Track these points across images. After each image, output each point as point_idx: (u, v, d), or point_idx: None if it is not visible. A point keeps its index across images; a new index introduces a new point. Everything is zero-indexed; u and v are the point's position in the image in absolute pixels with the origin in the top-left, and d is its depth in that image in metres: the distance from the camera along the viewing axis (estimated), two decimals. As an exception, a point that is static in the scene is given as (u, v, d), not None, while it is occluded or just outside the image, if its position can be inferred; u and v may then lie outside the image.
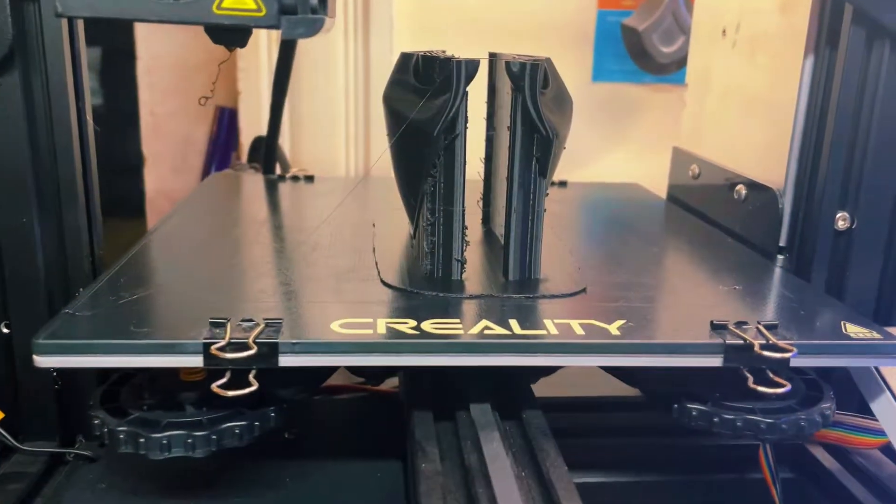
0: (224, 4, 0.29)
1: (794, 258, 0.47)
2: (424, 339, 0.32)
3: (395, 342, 0.32)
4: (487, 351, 0.32)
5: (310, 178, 0.65)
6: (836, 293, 0.44)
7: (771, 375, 0.33)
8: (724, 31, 0.57)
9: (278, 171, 0.72)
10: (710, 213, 0.57)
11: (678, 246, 0.52)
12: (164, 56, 1.21)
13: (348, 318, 0.34)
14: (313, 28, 0.30)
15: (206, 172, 1.23)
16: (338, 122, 0.91)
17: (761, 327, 0.34)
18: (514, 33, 0.89)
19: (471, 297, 0.38)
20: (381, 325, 0.33)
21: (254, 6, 0.29)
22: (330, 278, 0.40)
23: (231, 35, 0.34)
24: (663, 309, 0.37)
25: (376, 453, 0.41)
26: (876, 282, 0.44)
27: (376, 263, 0.42)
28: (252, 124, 1.02)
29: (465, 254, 0.40)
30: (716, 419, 0.35)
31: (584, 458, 0.40)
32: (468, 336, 0.33)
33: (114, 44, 1.22)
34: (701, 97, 0.61)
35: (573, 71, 0.90)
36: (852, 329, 0.35)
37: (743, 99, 0.54)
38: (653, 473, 0.44)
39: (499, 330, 0.33)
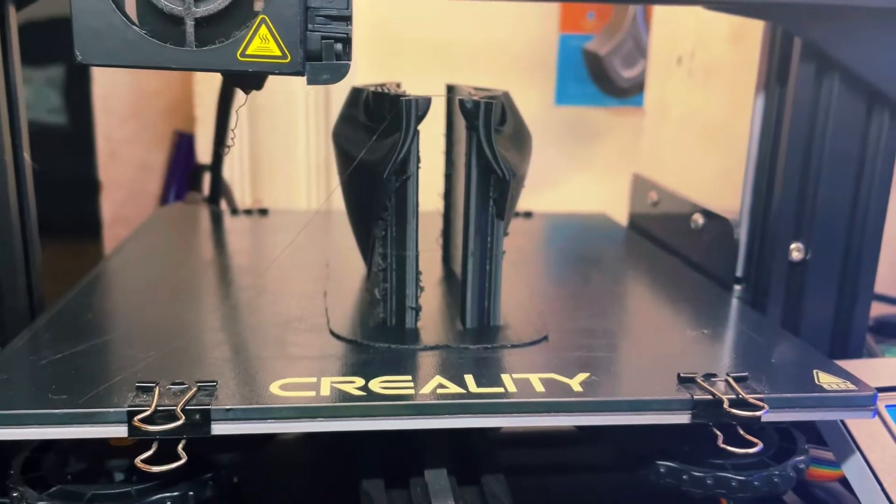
0: (249, 51, 0.28)
1: (750, 288, 0.46)
2: (371, 402, 0.30)
3: (338, 406, 0.29)
4: (440, 413, 0.30)
5: (264, 212, 0.63)
6: (792, 324, 0.44)
7: (741, 432, 0.31)
8: (679, 59, 0.56)
9: (229, 204, 0.69)
10: (670, 241, 0.56)
11: (642, 284, 0.50)
12: (119, 81, 1.18)
13: (290, 378, 0.31)
14: (339, 74, 0.28)
15: (164, 199, 1.20)
16: (298, 154, 0.89)
17: (731, 380, 0.32)
18: (477, 58, 0.88)
19: (425, 349, 0.35)
20: (326, 386, 0.31)
21: (279, 53, 0.28)
22: (275, 328, 0.38)
23: (250, 79, 0.32)
24: (628, 359, 0.35)
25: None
26: (831, 313, 0.43)
27: (326, 311, 0.40)
28: (210, 150, 0.99)
29: (420, 299, 0.38)
30: (685, 477, 0.33)
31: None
32: (419, 397, 0.30)
33: (69, 67, 1.18)
34: (659, 124, 0.60)
35: (536, 94, 0.90)
36: (825, 379, 0.33)
37: (699, 127, 0.53)
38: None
39: (453, 388, 0.31)
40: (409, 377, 0.32)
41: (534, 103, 0.90)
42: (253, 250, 0.54)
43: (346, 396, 0.30)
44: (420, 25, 0.89)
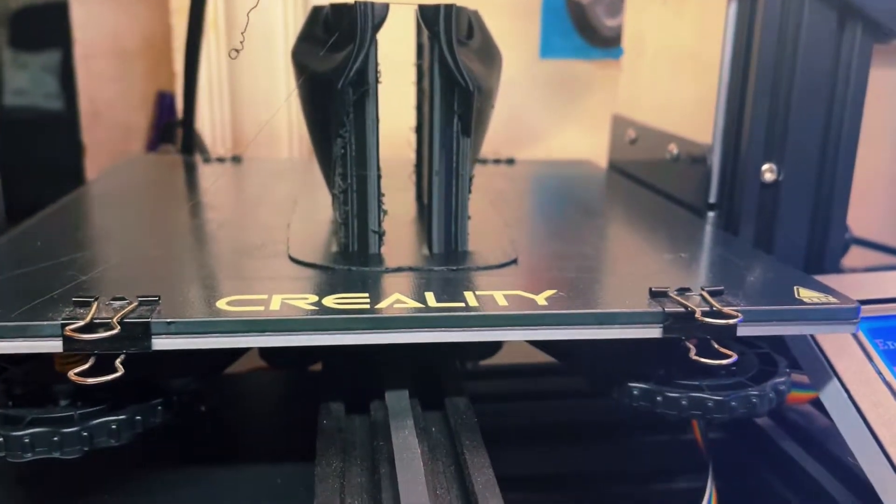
0: None
1: (724, 213, 0.45)
2: (322, 315, 0.28)
3: (287, 319, 0.28)
4: (395, 327, 0.28)
5: (237, 160, 0.61)
6: (766, 247, 0.43)
7: (717, 346, 0.30)
8: None
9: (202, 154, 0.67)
10: (648, 176, 0.55)
11: (619, 216, 0.48)
12: (101, 41, 1.16)
13: (240, 296, 0.30)
14: None
15: (149, 163, 1.18)
16: (280, 100, 0.87)
17: (705, 294, 0.30)
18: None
19: (387, 271, 0.34)
20: (276, 302, 0.29)
21: None
22: (231, 255, 0.36)
23: None
24: (601, 278, 0.34)
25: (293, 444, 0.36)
26: (805, 234, 0.43)
27: (288, 239, 0.38)
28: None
29: (384, 225, 0.36)
30: (659, 398, 0.32)
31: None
32: (373, 311, 0.29)
33: (49, 28, 1.16)
34: (636, 61, 0.59)
35: (520, 48, 0.87)
36: (806, 294, 0.31)
37: (673, 56, 0.52)
38: (583, 437, 0.40)
39: (411, 303, 0.29)
40: (367, 294, 0.30)
41: (519, 57, 0.88)
42: (219, 192, 0.53)
43: (296, 311, 0.28)
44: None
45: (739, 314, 0.29)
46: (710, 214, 0.45)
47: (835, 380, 0.33)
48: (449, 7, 0.33)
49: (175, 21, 0.98)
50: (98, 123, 1.18)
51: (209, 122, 0.99)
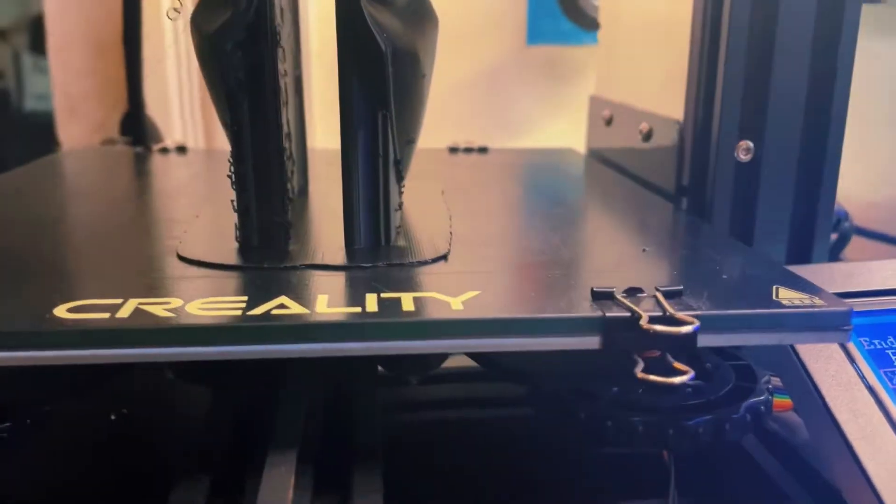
0: None
1: (697, 197, 0.40)
2: (171, 325, 0.23)
3: (119, 329, 0.22)
4: (262, 339, 0.23)
5: (182, 150, 0.56)
6: (744, 234, 0.38)
7: (670, 360, 0.24)
8: None
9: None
10: (621, 159, 0.50)
11: (583, 205, 0.43)
12: (76, 33, 1.11)
13: (88, 300, 0.24)
14: None
15: (127, 160, 1.14)
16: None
17: (659, 295, 0.25)
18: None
19: (285, 269, 0.28)
20: (128, 308, 0.24)
21: None
22: (110, 250, 0.31)
23: None
24: (539, 278, 0.28)
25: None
26: (787, 217, 0.38)
27: (184, 232, 0.33)
28: (159, 101, 0.93)
29: (289, 214, 0.31)
30: (608, 422, 0.26)
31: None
32: (244, 318, 0.23)
33: (22, 18, 1.12)
34: (612, 36, 0.53)
35: (507, 34, 0.82)
36: (786, 294, 0.26)
37: (646, 27, 0.47)
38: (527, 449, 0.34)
39: (295, 309, 0.24)
40: (245, 297, 0.25)
41: (505, 44, 0.82)
42: (140, 185, 0.47)
43: (146, 319, 0.23)
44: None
45: (695, 321, 0.23)
46: (683, 199, 0.40)
47: (808, 383, 0.27)
48: (350, -49, 0.27)
49: (145, 6, 0.94)
50: (73, 118, 1.14)
51: (178, 109, 0.94)
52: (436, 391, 0.37)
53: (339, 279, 0.27)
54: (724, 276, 0.28)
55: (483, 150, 0.59)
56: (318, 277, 0.27)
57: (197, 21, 0.32)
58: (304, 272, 0.28)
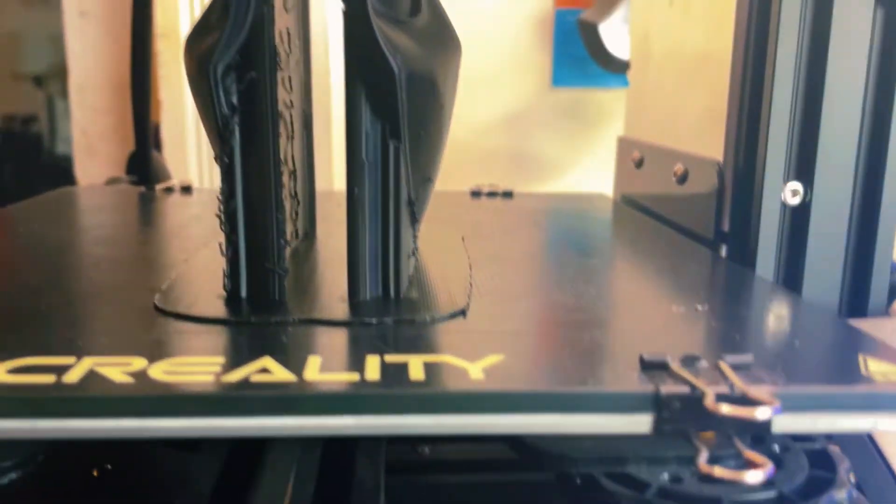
0: None
1: (740, 243, 0.37)
2: (116, 394, 0.18)
3: (56, 398, 0.18)
4: (224, 411, 0.18)
5: (187, 190, 0.53)
6: (788, 284, 0.35)
7: (742, 449, 0.19)
8: None
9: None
10: (654, 202, 0.47)
11: (618, 254, 0.39)
12: (96, 73, 1.11)
13: (38, 358, 0.20)
14: None
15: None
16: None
17: (724, 366, 0.20)
18: (469, 37, 0.78)
19: (277, 324, 0.24)
20: (80, 369, 0.20)
21: None
22: (78, 300, 0.27)
23: None
24: (575, 340, 0.23)
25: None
26: (839, 265, 0.35)
27: (171, 279, 0.29)
28: (176, 137, 0.91)
29: (284, 260, 0.27)
30: (656, 517, 0.21)
31: None
32: (216, 385, 0.19)
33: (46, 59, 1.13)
34: (642, 72, 0.50)
35: (533, 76, 0.79)
36: (877, 367, 0.21)
37: (680, 62, 0.44)
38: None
39: (280, 374, 0.20)
40: (222, 358, 0.21)
41: (530, 86, 0.80)
42: (134, 225, 0.44)
43: (97, 384, 0.19)
44: None
45: (775, 400, 0.18)
46: (724, 247, 0.37)
47: (887, 472, 0.22)
48: (360, -40, 0.24)
49: (161, 46, 0.93)
50: (90, 156, 1.13)
51: (195, 148, 0.92)
52: (447, 450, 0.32)
53: (337, 337, 0.23)
54: (797, 343, 0.23)
55: (508, 194, 0.55)
56: (314, 335, 0.23)
57: (190, 45, 0.28)
58: (298, 328, 0.24)
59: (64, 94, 1.12)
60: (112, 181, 0.60)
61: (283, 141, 0.29)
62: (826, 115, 0.33)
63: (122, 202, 0.49)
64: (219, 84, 0.24)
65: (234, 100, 0.25)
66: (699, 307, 0.27)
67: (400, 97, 0.25)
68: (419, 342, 0.23)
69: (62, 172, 1.13)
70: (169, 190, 0.53)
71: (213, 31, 0.26)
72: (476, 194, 0.55)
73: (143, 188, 0.55)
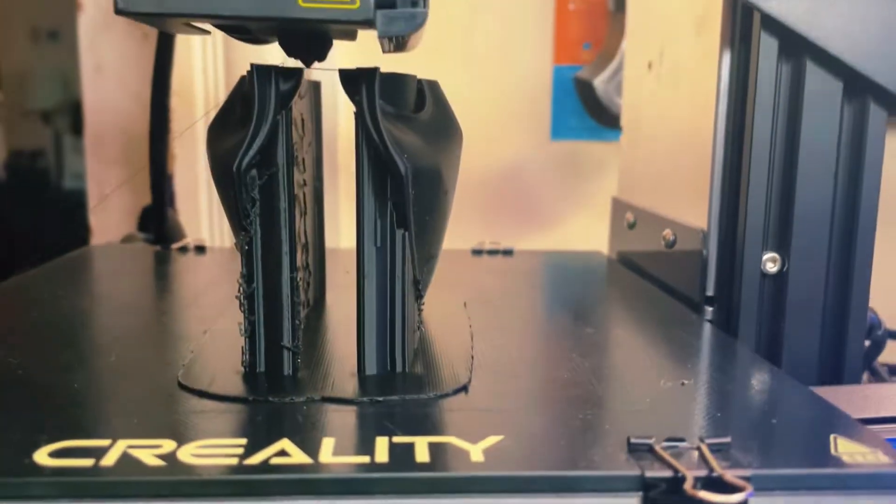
0: None
1: (723, 309, 0.39)
2: (157, 477, 0.20)
3: (99, 482, 0.20)
4: (259, 493, 0.20)
5: (200, 249, 0.55)
6: (771, 349, 0.37)
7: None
8: (650, 65, 0.50)
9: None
10: (646, 264, 0.49)
11: (611, 320, 0.41)
12: (111, 125, 1.14)
13: (75, 441, 0.22)
14: (413, 23, 0.24)
15: (153, 248, 1.15)
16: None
17: (704, 448, 0.22)
18: (467, 92, 0.81)
19: (292, 403, 0.26)
20: (116, 452, 0.22)
21: None
22: (108, 376, 0.29)
23: (312, 44, 0.27)
24: (566, 419, 0.25)
25: None
26: (817, 333, 0.37)
27: (191, 353, 0.31)
28: (189, 191, 0.94)
29: (298, 339, 0.29)
30: None
31: None
32: (241, 469, 0.21)
33: (60, 112, 1.16)
34: (634, 139, 0.53)
35: (531, 130, 0.82)
36: (846, 447, 0.23)
37: (668, 135, 0.47)
38: None
39: (297, 457, 0.22)
40: (244, 440, 0.23)
41: (529, 139, 0.83)
42: (151, 289, 0.46)
43: (133, 467, 0.21)
44: (406, 58, 0.82)
45: (748, 485, 0.20)
46: (708, 309, 0.39)
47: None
48: (371, 71, 0.26)
49: (175, 102, 0.96)
50: (105, 206, 1.16)
51: (206, 205, 0.95)
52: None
53: (348, 416, 0.25)
54: (774, 421, 0.25)
55: (508, 252, 0.57)
56: (327, 413, 0.25)
57: (212, 140, 0.31)
58: (312, 405, 0.26)
59: (79, 148, 1.15)
60: (128, 239, 0.62)
61: (297, 220, 0.31)
62: (800, 189, 0.36)
63: (140, 265, 0.51)
64: (243, 183, 0.26)
65: (255, 192, 0.27)
66: (685, 382, 0.29)
67: (407, 193, 0.27)
68: (425, 422, 0.25)
69: (77, 220, 1.15)
70: (183, 249, 0.55)
71: (234, 131, 0.28)
72: (477, 252, 0.57)
73: (158, 247, 0.57)
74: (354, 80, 0.26)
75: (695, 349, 0.34)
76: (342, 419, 0.25)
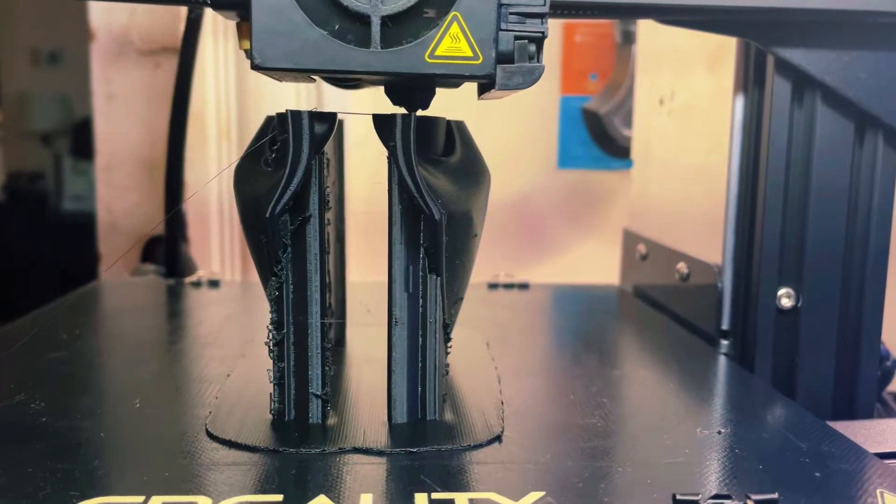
0: (438, 52, 0.25)
1: (738, 343, 0.39)
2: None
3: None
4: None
5: (214, 284, 0.54)
6: (786, 382, 0.37)
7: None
8: (661, 101, 0.50)
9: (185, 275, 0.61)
10: (659, 297, 0.49)
11: (634, 360, 0.41)
12: (122, 153, 1.15)
13: (108, 498, 0.22)
14: (532, 77, 0.26)
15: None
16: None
17: (752, 506, 0.22)
18: (477, 120, 0.81)
19: (323, 454, 0.26)
20: (147, 511, 0.21)
21: (469, 53, 0.25)
22: (135, 424, 0.28)
23: (417, 93, 0.28)
24: (610, 472, 0.25)
25: None
26: (831, 367, 0.37)
27: (216, 399, 0.30)
28: (201, 220, 0.93)
29: (329, 385, 0.28)
30: None
31: None
32: (279, 529, 0.20)
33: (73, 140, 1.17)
34: (644, 172, 0.54)
35: (539, 159, 0.82)
36: (892, 502, 0.22)
37: (680, 170, 0.47)
38: None
39: (336, 515, 0.21)
40: (280, 496, 0.22)
41: (536, 168, 0.83)
42: (167, 329, 0.45)
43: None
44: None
45: (803, 550, 0.20)
46: (724, 343, 0.40)
47: None
48: (407, 117, 0.26)
49: (189, 131, 0.96)
50: (114, 232, 1.16)
51: (217, 238, 0.95)
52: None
53: (382, 468, 0.25)
54: (817, 475, 0.25)
55: (524, 286, 0.57)
56: (360, 466, 0.25)
57: (240, 184, 0.30)
58: (344, 457, 0.25)
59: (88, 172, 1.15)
60: (139, 272, 0.61)
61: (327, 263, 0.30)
62: (813, 227, 0.36)
63: (154, 300, 0.51)
64: (275, 229, 0.26)
65: (287, 238, 0.27)
66: (721, 431, 0.28)
67: (440, 239, 0.27)
68: (461, 475, 0.24)
69: (86, 245, 1.15)
70: (196, 284, 0.55)
71: (265, 175, 0.28)
72: (493, 286, 0.56)
73: (171, 281, 0.57)
74: (388, 125, 0.26)
75: (722, 391, 0.34)
76: (377, 472, 0.24)
